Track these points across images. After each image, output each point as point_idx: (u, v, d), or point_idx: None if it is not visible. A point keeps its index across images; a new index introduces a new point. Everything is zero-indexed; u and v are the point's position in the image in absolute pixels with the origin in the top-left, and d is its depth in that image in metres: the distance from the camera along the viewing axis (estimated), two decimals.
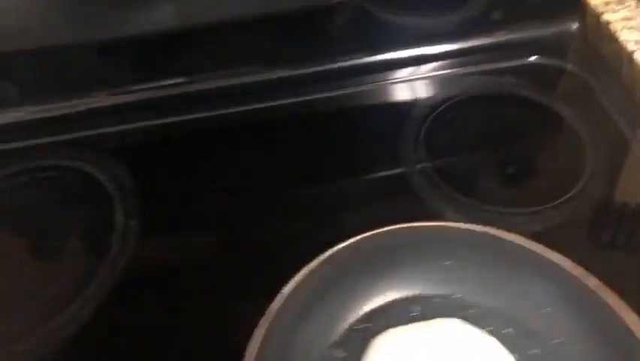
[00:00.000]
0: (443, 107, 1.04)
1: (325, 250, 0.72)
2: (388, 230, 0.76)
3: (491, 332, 0.72)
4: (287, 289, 0.68)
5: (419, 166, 0.94)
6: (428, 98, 1.08)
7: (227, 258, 0.87)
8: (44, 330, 0.77)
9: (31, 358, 0.75)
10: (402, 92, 1.12)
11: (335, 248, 0.72)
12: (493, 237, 0.74)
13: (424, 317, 0.74)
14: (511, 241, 0.73)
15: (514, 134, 1.03)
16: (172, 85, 1.10)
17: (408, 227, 0.76)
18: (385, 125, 1.04)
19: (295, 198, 0.93)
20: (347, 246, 0.72)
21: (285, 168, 0.98)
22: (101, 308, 0.79)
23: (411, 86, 1.12)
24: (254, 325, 0.64)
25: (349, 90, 1.10)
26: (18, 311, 0.81)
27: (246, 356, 0.62)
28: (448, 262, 0.77)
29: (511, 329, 0.72)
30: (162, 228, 0.92)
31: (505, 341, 0.71)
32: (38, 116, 1.07)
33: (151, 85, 1.10)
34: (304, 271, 0.70)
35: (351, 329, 0.73)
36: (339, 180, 0.97)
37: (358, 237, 0.73)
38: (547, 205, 0.87)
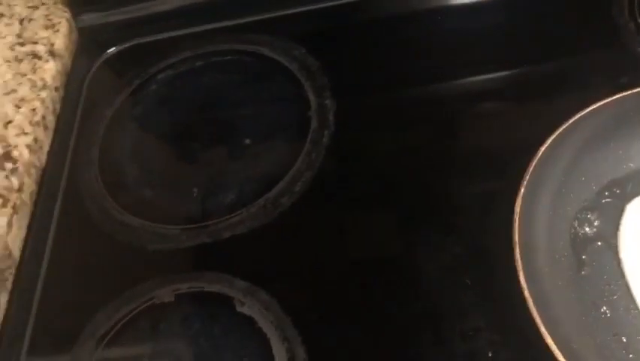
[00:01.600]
0: None
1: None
2: None
3: None
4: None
5: None
6: None
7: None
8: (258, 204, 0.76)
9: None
10: None
11: (600, 102, 0.66)
12: None
13: None
14: None
15: None
16: None
17: None
18: None
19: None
20: (612, 101, 0.66)
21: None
22: (315, 179, 0.77)
23: None
24: None
25: None
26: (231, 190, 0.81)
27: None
28: None
29: None
30: (356, 107, 0.88)
31: None
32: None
33: None
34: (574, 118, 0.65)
35: (603, 195, 0.68)
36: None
37: (622, 93, 0.66)
38: None
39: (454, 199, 0.73)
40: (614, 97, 0.66)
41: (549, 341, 0.50)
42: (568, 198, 0.66)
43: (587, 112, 0.65)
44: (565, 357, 0.48)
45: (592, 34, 0.86)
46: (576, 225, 0.65)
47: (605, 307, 0.59)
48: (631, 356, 0.55)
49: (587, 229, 0.65)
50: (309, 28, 1.03)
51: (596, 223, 0.65)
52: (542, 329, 0.50)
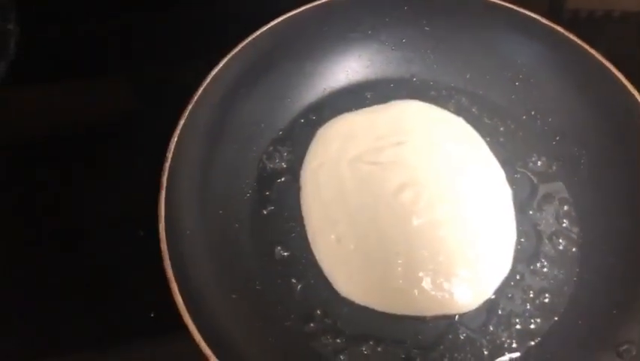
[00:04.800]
0: None
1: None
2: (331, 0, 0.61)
3: (457, 113, 0.63)
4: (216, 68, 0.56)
5: None
6: None
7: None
8: None
9: None
10: None
11: (269, 24, 0.58)
12: None
13: (380, 101, 0.64)
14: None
15: None
16: None
17: None
18: None
19: None
20: (283, 21, 0.59)
21: None
22: None
23: None
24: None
25: None
26: None
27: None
28: (405, 39, 0.65)
29: (475, 109, 0.63)
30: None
31: (471, 121, 0.62)
32: None
33: None
34: (240, 45, 0.58)
35: (296, 121, 0.63)
36: None
37: (294, 11, 0.59)
38: None
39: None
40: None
41: (179, 302, 0.46)
42: (252, 132, 0.60)
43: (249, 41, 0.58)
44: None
45: None
46: (265, 159, 0.61)
47: (279, 247, 0.56)
48: (299, 299, 0.53)
49: (277, 162, 0.61)
50: None
51: (285, 155, 0.61)
52: (174, 287, 0.46)
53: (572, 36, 0.57)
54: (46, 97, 0.71)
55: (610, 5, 0.76)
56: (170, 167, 0.51)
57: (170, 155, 0.52)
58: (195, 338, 0.44)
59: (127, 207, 0.61)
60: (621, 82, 0.54)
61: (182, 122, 0.54)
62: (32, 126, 0.69)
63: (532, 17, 0.58)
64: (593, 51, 0.56)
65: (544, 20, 0.58)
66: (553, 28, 0.57)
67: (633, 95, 0.53)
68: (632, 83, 0.54)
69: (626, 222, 0.53)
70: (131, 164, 0.63)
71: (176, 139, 0.53)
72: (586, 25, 0.76)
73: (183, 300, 0.45)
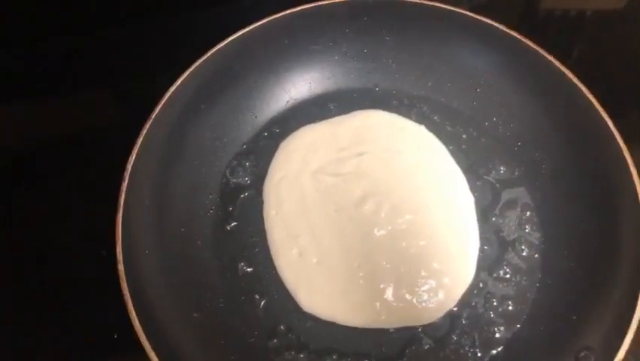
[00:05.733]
0: None
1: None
2: (292, 12, 0.61)
3: (419, 122, 0.63)
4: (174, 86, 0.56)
5: None
6: None
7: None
8: None
9: None
10: None
11: (230, 38, 0.58)
12: (417, 5, 0.61)
13: (343, 111, 0.64)
14: (436, 7, 0.60)
15: None
16: None
17: (314, 7, 0.62)
18: None
19: None
20: (245, 33, 0.59)
21: None
22: None
23: None
24: None
25: None
26: None
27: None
28: (366, 50, 0.65)
29: (437, 117, 0.63)
30: None
31: (433, 129, 0.62)
32: None
33: None
34: (201, 59, 0.58)
35: (259, 135, 0.63)
36: None
37: (255, 24, 0.59)
38: None
39: None
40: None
41: (136, 323, 0.45)
42: (215, 147, 0.60)
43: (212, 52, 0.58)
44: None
45: None
46: (228, 174, 0.60)
47: (243, 263, 0.56)
48: (263, 315, 0.53)
49: (241, 177, 0.60)
50: None
51: (249, 169, 0.61)
52: (130, 307, 0.46)
53: (529, 42, 0.57)
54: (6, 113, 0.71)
55: (584, 5, 0.77)
56: (127, 187, 0.51)
57: (127, 174, 0.52)
58: (152, 359, 0.44)
59: (90, 227, 0.60)
60: (577, 87, 0.54)
61: (139, 140, 0.53)
62: None
63: (489, 24, 0.58)
64: (549, 57, 0.56)
65: (501, 27, 0.59)
66: (510, 35, 0.58)
67: (590, 100, 0.54)
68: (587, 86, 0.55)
69: (587, 227, 0.53)
70: (93, 182, 0.63)
71: (133, 159, 0.52)
72: (561, 25, 0.76)
73: (139, 320, 0.45)
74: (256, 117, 0.63)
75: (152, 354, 0.44)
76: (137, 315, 0.45)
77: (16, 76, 0.72)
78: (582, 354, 0.46)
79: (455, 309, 0.52)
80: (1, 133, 0.69)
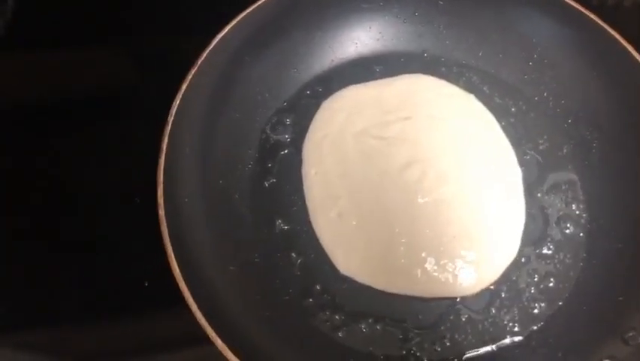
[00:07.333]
0: None
1: None
2: None
3: (467, 91, 0.61)
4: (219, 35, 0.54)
5: None
6: None
7: None
8: None
9: None
10: None
11: None
12: None
13: (389, 75, 0.62)
14: None
15: None
16: None
17: None
18: None
19: None
20: None
21: None
22: None
23: None
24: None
25: None
26: None
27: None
28: (417, 13, 0.63)
29: (486, 87, 0.61)
30: None
31: (481, 99, 0.61)
32: None
33: None
34: (247, 10, 0.56)
35: (302, 92, 0.61)
36: None
37: None
38: None
39: None
40: None
41: (176, 270, 0.44)
42: (256, 102, 0.58)
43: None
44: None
45: None
46: (268, 130, 0.59)
47: (280, 220, 0.54)
48: (299, 273, 0.52)
49: (280, 134, 0.59)
50: None
51: (289, 127, 0.59)
52: (170, 253, 0.44)
53: (591, 14, 0.55)
54: (44, 62, 0.69)
55: None
56: (171, 132, 0.50)
57: (170, 120, 0.50)
58: (191, 307, 0.43)
59: (124, 176, 0.59)
60: None
61: (184, 86, 0.52)
62: (29, 91, 0.67)
63: None
64: (613, 32, 0.54)
65: None
66: (572, 6, 0.56)
67: None
68: None
69: (636, 209, 0.52)
70: (130, 131, 0.61)
71: (177, 104, 0.51)
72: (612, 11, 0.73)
73: (179, 267, 0.44)
74: (299, 74, 0.62)
75: (190, 300, 0.43)
76: (176, 260, 0.44)
77: (64, 21, 0.70)
78: (630, 334, 0.45)
79: (496, 281, 0.51)
80: (50, 77, 0.67)
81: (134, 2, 0.72)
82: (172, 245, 0.45)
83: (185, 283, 0.44)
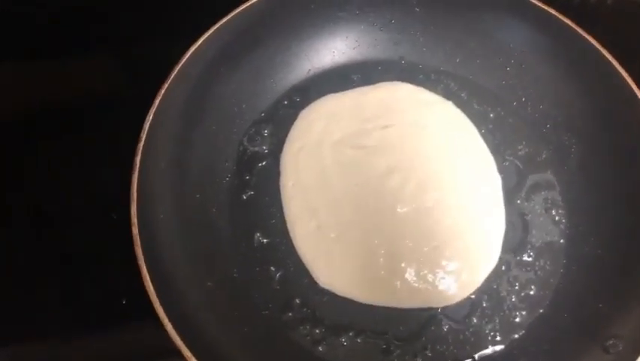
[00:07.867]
0: None
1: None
2: None
3: (445, 98, 0.61)
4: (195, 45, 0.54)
5: None
6: None
7: None
8: None
9: None
10: None
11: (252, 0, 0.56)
12: None
13: (367, 83, 0.62)
14: None
15: None
16: None
17: None
18: None
19: None
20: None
21: None
22: None
23: None
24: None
25: None
26: None
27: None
28: (393, 20, 0.62)
29: (464, 94, 0.61)
30: None
31: (460, 106, 0.60)
32: None
33: None
34: (223, 20, 0.55)
35: (279, 103, 0.60)
36: None
37: None
38: None
39: None
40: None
41: (149, 288, 0.43)
42: (233, 113, 0.58)
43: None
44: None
45: None
46: (246, 142, 0.58)
47: (259, 234, 0.54)
48: (278, 287, 0.51)
49: (258, 145, 0.58)
50: None
51: (267, 138, 0.58)
52: (144, 271, 0.44)
53: (566, 20, 0.55)
54: (18, 74, 0.68)
55: None
56: (144, 148, 0.49)
57: (144, 135, 0.49)
58: (165, 326, 0.42)
59: (101, 190, 0.58)
60: (616, 69, 0.52)
61: (157, 100, 0.51)
62: (3, 104, 0.66)
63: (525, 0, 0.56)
64: (588, 37, 0.54)
65: (538, 3, 0.56)
66: (548, 12, 0.55)
67: (629, 84, 0.52)
68: (627, 71, 0.53)
69: (615, 214, 0.52)
70: (106, 144, 0.61)
71: (150, 119, 0.50)
72: (579, 12, 0.73)
73: (154, 285, 0.43)
74: (276, 85, 0.61)
75: (165, 320, 0.42)
76: (151, 279, 0.44)
77: (38, 32, 0.69)
78: (610, 342, 0.45)
79: (477, 290, 0.51)
80: (24, 89, 0.66)
81: (109, 15, 0.71)
82: (146, 264, 0.44)
83: (160, 302, 0.43)
